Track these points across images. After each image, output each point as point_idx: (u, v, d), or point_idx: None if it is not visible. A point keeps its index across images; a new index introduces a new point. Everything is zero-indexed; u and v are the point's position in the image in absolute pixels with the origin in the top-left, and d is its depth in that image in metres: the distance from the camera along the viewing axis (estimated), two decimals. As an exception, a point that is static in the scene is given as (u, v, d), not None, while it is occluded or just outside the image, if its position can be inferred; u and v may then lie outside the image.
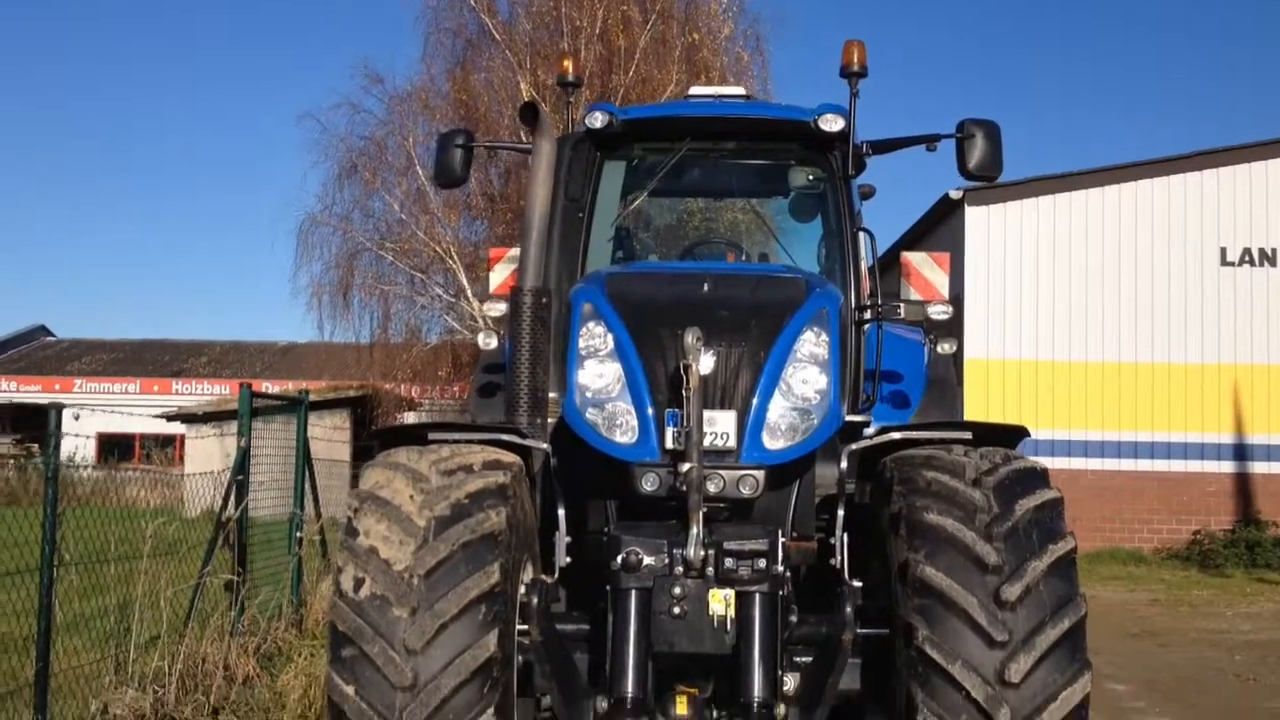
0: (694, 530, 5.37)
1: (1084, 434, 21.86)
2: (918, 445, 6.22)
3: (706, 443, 5.70)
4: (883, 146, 8.19)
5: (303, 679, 8.10)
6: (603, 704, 5.29)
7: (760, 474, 5.72)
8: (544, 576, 6.25)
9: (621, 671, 5.34)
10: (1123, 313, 22.12)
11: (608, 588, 5.49)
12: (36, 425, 47.74)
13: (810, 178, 8.72)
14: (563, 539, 6.31)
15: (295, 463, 9.48)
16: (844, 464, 6.29)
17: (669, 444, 5.72)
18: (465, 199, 28.00)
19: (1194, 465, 21.70)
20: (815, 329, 5.92)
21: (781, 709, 5.19)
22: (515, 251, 10.86)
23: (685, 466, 5.42)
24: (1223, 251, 22.48)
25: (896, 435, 6.26)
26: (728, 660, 5.40)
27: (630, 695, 5.32)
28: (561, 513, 6.33)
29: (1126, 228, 22.43)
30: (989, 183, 7.86)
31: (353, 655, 5.56)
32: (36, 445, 44.36)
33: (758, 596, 5.35)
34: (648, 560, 5.31)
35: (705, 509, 5.80)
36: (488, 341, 8.72)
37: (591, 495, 6.45)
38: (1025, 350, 22.22)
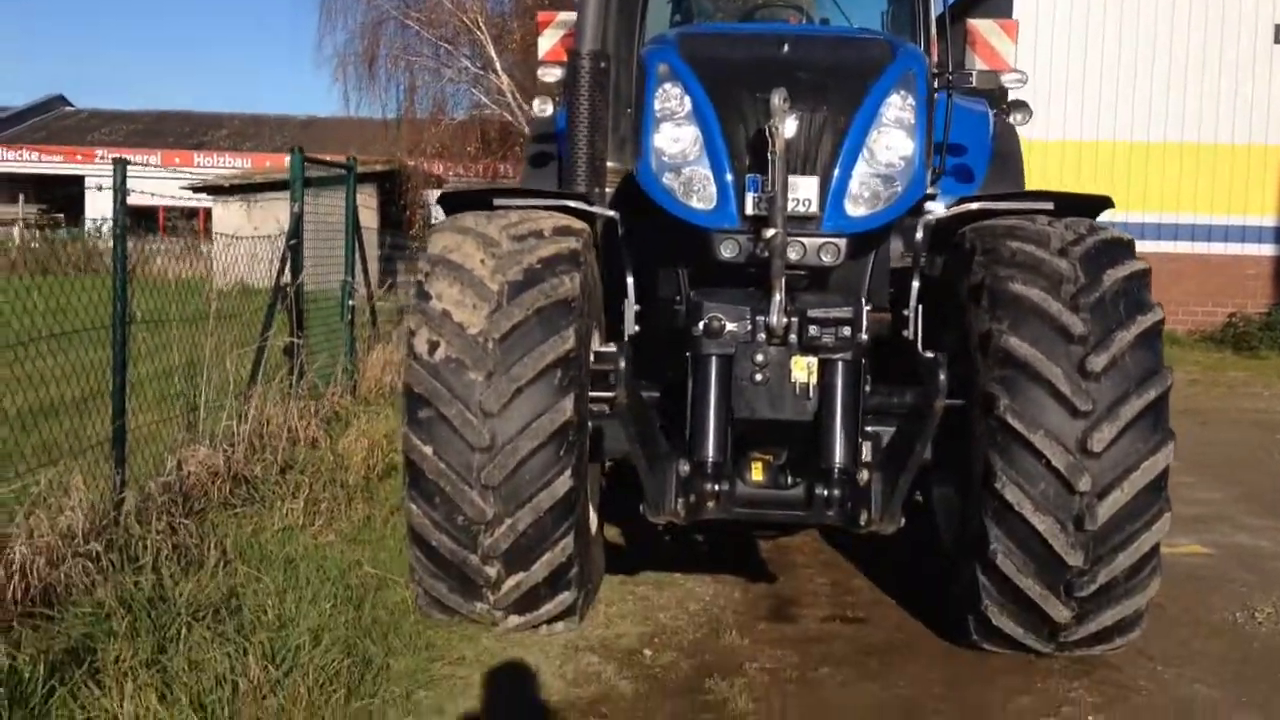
0: (776, 297, 5.29)
1: (1123, 215, 21.52)
2: (997, 216, 6.10)
3: (788, 209, 5.57)
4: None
5: (363, 442, 8.19)
6: (685, 467, 5.30)
7: (842, 242, 5.61)
8: (611, 345, 6.23)
9: (702, 436, 5.33)
10: (1170, 91, 21.56)
11: (687, 354, 5.45)
12: (60, 195, 47.55)
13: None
14: (631, 307, 6.26)
15: (345, 231, 9.38)
16: (920, 234, 6.18)
17: (749, 210, 5.60)
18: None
19: (1234, 248, 21.48)
20: (902, 92, 5.72)
21: (864, 474, 5.19)
22: (566, 16, 10.55)
23: (769, 232, 5.30)
24: (1276, 30, 21.75)
25: (976, 205, 6.13)
26: (807, 427, 5.40)
27: (711, 459, 5.33)
28: (630, 280, 6.26)
29: (1175, 4, 21.68)
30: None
31: (430, 417, 5.58)
32: (62, 215, 44.35)
33: (840, 364, 5.30)
34: (730, 326, 5.25)
35: (785, 276, 5.72)
36: (542, 108, 8.48)
37: (662, 263, 6.36)
38: (1069, 130, 21.75)
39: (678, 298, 6.23)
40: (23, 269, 5.32)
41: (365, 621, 5.39)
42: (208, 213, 44.14)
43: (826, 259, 5.56)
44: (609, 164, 7.98)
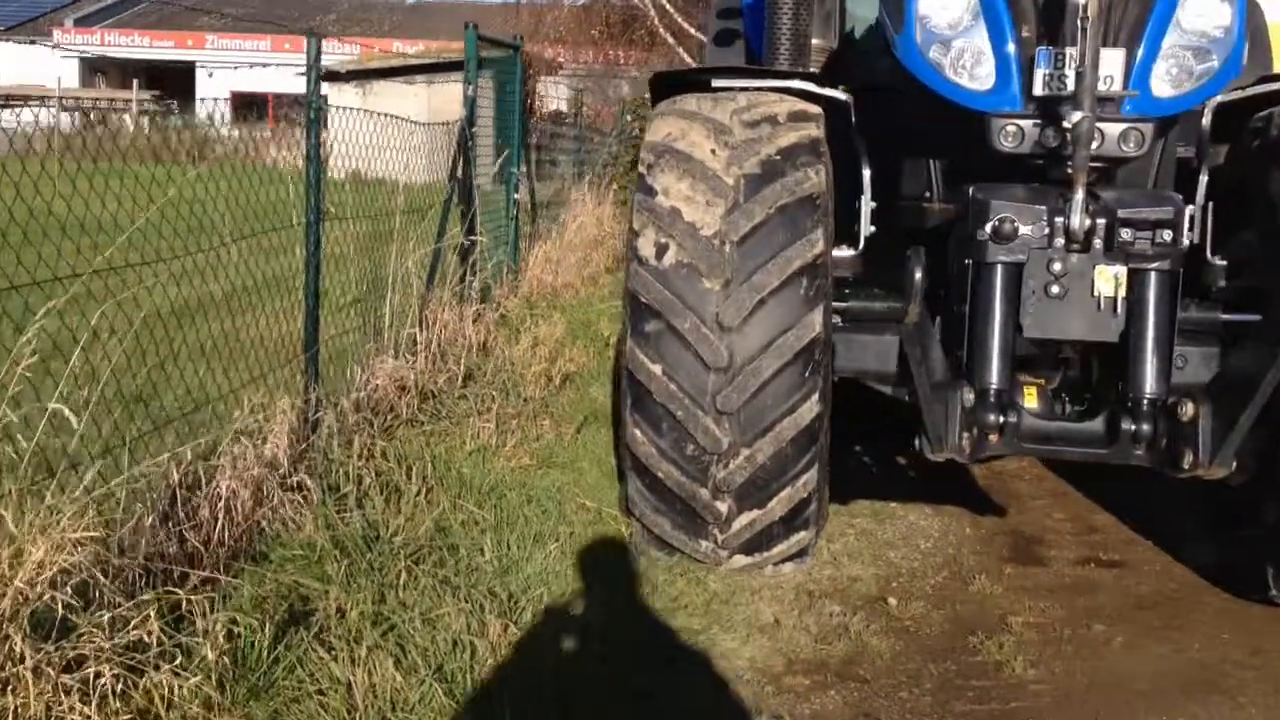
0: (1079, 195, 4.49)
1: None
2: None
3: (1072, 88, 4.72)
4: None
5: (540, 350, 7.56)
6: (969, 396, 4.55)
7: (1148, 127, 4.77)
8: (845, 249, 5.48)
9: (985, 359, 4.58)
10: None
11: (967, 261, 4.66)
12: (174, 82, 47.40)
13: None
14: (868, 205, 5.49)
15: (514, 119, 8.65)
16: (1205, 120, 5.31)
17: (1038, 89, 4.76)
18: None
19: None
20: None
21: (1189, 407, 4.40)
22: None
23: (1076, 116, 4.47)
24: None
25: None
26: (1111, 350, 4.61)
27: (995, 386, 4.57)
28: (867, 174, 5.48)
29: None
30: None
31: (658, 330, 4.89)
32: (175, 102, 44.15)
33: (1154, 275, 4.49)
34: (1024, 230, 4.45)
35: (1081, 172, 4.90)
36: (737, -22, 7.64)
37: (908, 153, 5.55)
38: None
39: (927, 194, 5.44)
40: (147, 156, 4.63)
41: (589, 564, 4.74)
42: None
43: (1129, 148, 4.73)
44: (815, 40, 7.20)
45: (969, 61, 4.89)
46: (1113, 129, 4.72)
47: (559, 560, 4.68)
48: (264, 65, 50.97)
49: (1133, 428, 4.48)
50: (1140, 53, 4.74)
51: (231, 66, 48.45)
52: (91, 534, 3.25)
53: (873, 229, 5.50)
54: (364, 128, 6.02)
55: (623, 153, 14.22)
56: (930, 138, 5.38)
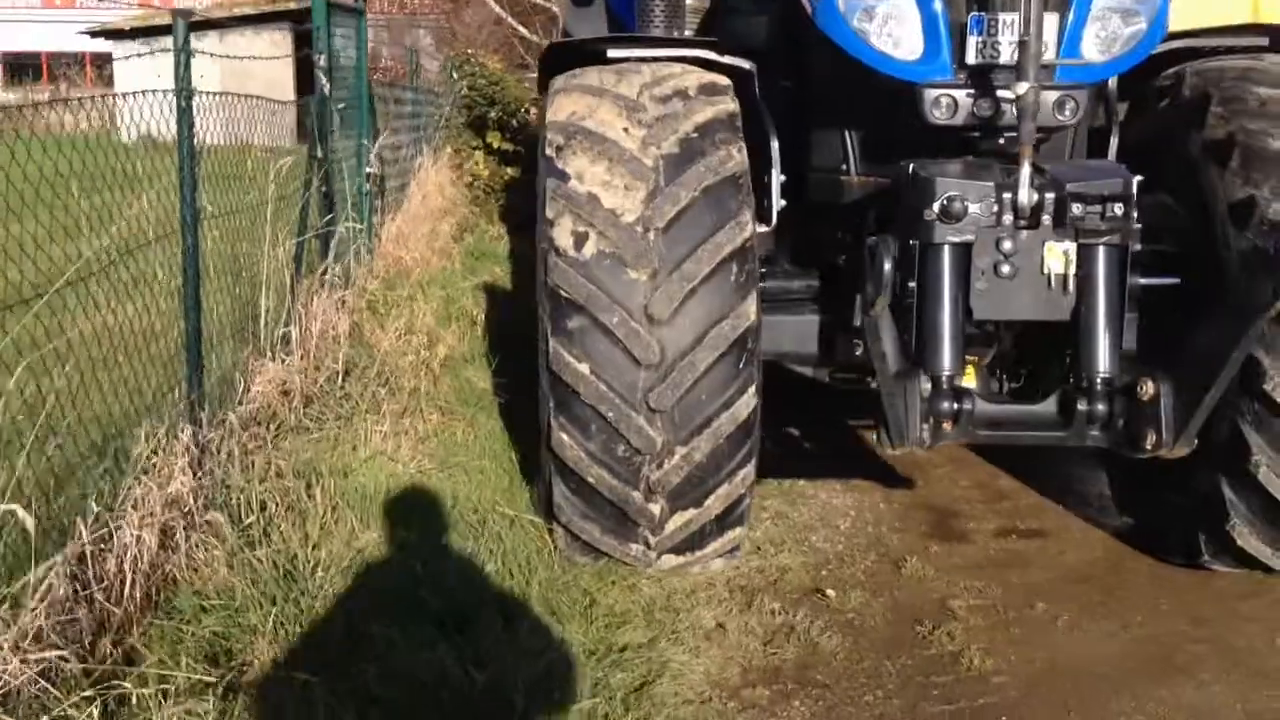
0: (1025, 169, 4.30)
1: None
2: (1205, 56, 5.19)
3: (1006, 56, 4.55)
4: None
5: (417, 337, 7.15)
6: (926, 385, 4.35)
7: (1082, 95, 4.62)
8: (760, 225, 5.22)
9: (936, 345, 4.38)
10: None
11: (912, 243, 4.44)
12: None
13: None
14: (777, 178, 5.24)
15: (358, 84, 8.10)
16: (1113, 83, 5.22)
17: (970, 58, 4.56)
18: None
19: None
20: None
21: (1150, 386, 4.28)
22: None
23: (1021, 87, 4.28)
24: None
25: (1182, 43, 5.21)
26: (1062, 329, 4.46)
27: (948, 373, 4.38)
28: (775, 146, 5.23)
29: None
30: None
31: (583, 327, 4.55)
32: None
33: (1104, 250, 4.35)
34: (973, 208, 4.25)
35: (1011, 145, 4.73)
36: (605, -65, 7.27)
37: (820, 124, 5.31)
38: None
39: (844, 167, 5.21)
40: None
41: (530, 584, 4.42)
42: (94, 59, 41.30)
43: (1064, 116, 4.58)
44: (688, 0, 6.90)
45: (895, 29, 4.66)
46: (1047, 97, 4.55)
47: (499, 578, 4.33)
48: (35, 23, 48.26)
49: (1088, 408, 4.35)
50: (1070, 17, 4.58)
51: None
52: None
53: (782, 203, 5.26)
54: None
55: (454, 114, 13.66)
56: (845, 108, 5.15)
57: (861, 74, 4.82)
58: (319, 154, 6.57)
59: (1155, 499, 5.26)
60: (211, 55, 5.20)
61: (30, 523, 2.93)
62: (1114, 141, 5.24)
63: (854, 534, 5.64)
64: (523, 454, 5.88)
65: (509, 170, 14.04)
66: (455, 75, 14.48)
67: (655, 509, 4.66)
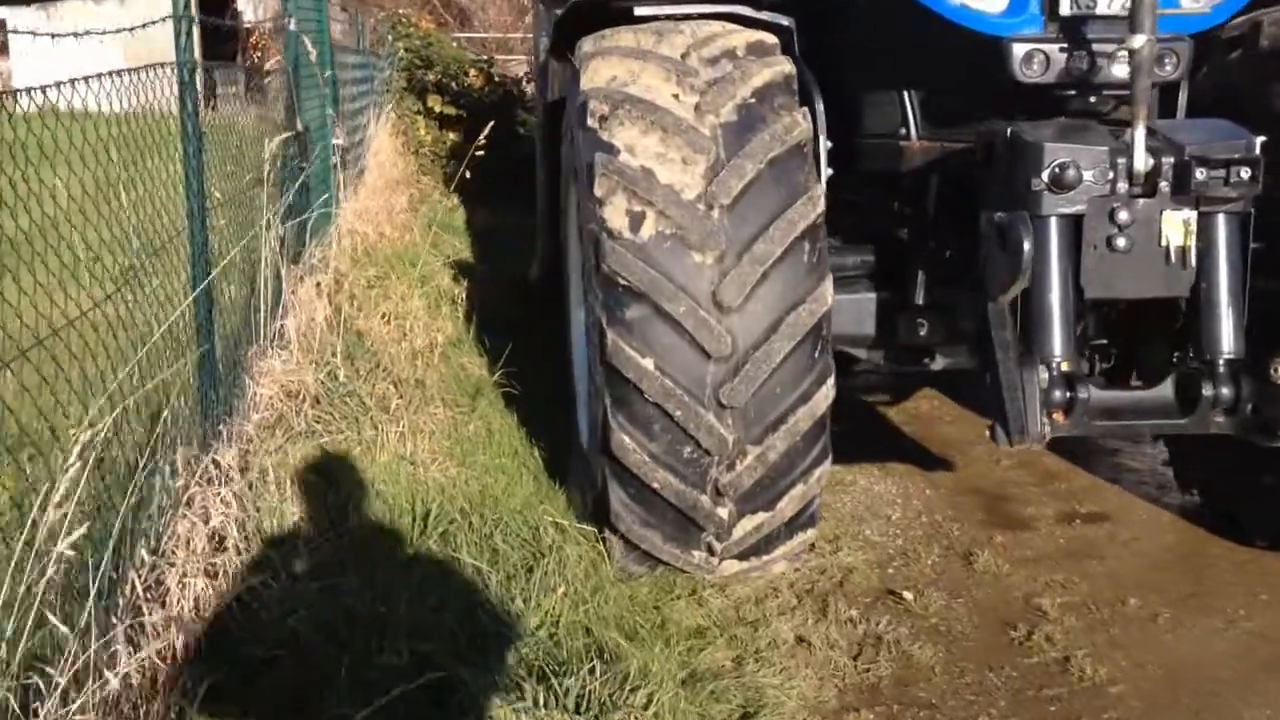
0: (1140, 131, 3.91)
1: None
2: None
3: (1104, 7, 4.15)
4: None
5: (404, 322, 6.64)
6: (1044, 374, 3.95)
7: (1184, 47, 4.23)
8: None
9: (1047, 329, 3.98)
10: None
11: (1002, 218, 4.02)
12: None
13: None
14: (824, 145, 4.79)
15: (322, 48, 7.48)
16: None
17: (1065, 9, 4.14)
18: None
19: None
20: None
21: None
22: None
23: (1137, 40, 3.88)
24: None
25: None
26: (1182, 306, 4.09)
27: (1059, 357, 3.98)
28: (820, 110, 4.78)
29: None
30: None
31: (644, 316, 4.08)
32: None
33: (1224, 219, 3.97)
34: (1087, 175, 3.84)
35: (1102, 103, 4.34)
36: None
37: (873, 84, 4.87)
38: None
39: (903, 131, 4.78)
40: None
41: (605, 605, 3.97)
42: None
43: (1167, 71, 4.18)
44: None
45: (982, -24, 4.23)
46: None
47: (575, 606, 3.87)
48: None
49: (1213, 393, 3.98)
50: (1169, -37, 4.18)
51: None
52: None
53: (829, 172, 4.82)
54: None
55: (395, 78, 13.01)
56: (905, 65, 4.71)
57: (928, 28, 4.38)
58: (299, 126, 5.99)
59: (1232, 478, 4.94)
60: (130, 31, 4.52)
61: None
62: (1182, 98, 4.86)
63: (909, 525, 5.26)
64: (540, 449, 5.44)
65: (451, 135, 13.44)
66: (390, 38, 13.82)
67: (724, 513, 4.23)
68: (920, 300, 4.90)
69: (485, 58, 15.36)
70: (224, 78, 7.46)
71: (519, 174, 10.96)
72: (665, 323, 4.06)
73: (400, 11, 15.74)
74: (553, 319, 7.60)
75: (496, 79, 14.83)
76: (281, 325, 5.21)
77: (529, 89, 16.62)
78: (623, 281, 4.08)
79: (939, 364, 5.08)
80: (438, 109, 13.21)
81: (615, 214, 4.15)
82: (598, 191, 4.17)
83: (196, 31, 3.96)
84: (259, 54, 26.00)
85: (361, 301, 6.88)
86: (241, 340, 4.76)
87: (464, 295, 7.87)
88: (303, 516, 3.93)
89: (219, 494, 3.43)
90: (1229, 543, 5.01)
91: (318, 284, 6.39)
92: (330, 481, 4.36)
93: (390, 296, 7.09)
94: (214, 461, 3.65)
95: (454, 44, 15.53)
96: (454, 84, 13.75)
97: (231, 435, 4.05)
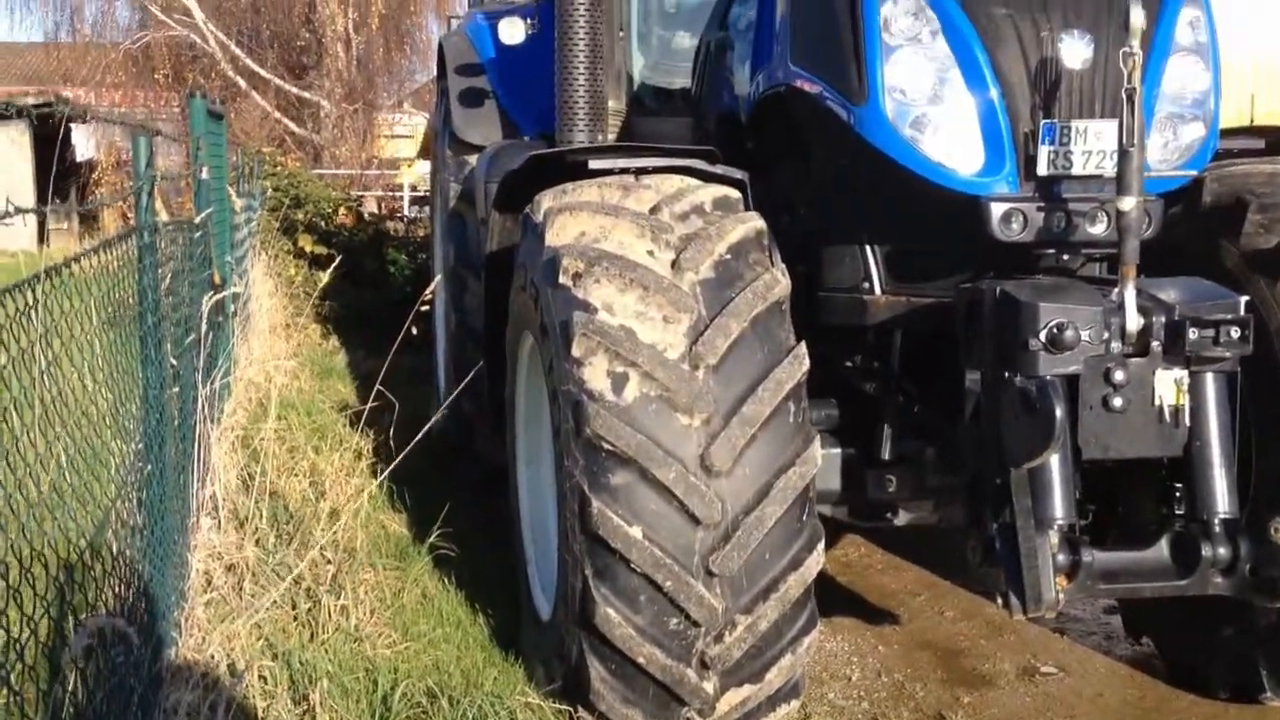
0: (1130, 291, 3.91)
1: None
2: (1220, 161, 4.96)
3: (1080, 167, 4.19)
4: None
5: (315, 479, 6.31)
6: (1055, 540, 3.85)
7: (1157, 207, 4.27)
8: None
9: (1048, 491, 3.89)
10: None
11: (1003, 375, 3.96)
12: None
13: None
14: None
15: (219, 193, 7.16)
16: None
17: (1042, 169, 4.16)
18: None
19: None
20: (1192, 6, 4.40)
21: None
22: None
23: (1127, 202, 3.90)
24: None
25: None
26: (1175, 465, 4.06)
27: (1061, 519, 3.90)
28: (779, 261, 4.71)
29: None
30: None
31: (631, 483, 3.88)
32: None
33: (1216, 377, 3.97)
34: (1083, 335, 3.81)
35: (1075, 260, 4.35)
36: (512, 34, 6.67)
37: (838, 238, 4.81)
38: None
39: (865, 285, 4.72)
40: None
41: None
42: None
43: (1145, 231, 4.19)
44: (609, 104, 6.38)
45: (952, 137, 4.22)
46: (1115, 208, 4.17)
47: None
48: None
49: (1211, 553, 3.94)
50: (1137, 124, 4.23)
51: None
52: None
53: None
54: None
55: (268, 220, 12.68)
56: (868, 219, 4.67)
57: (897, 182, 4.36)
58: (217, 280, 5.68)
59: (1190, 630, 4.91)
60: None
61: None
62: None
63: (871, 687, 5.09)
64: (483, 615, 5.15)
65: (322, 275, 13.12)
66: (257, 176, 13.51)
67: (709, 687, 4.01)
68: (887, 455, 4.81)
69: (355, 196, 15.15)
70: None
71: (396, 315, 10.74)
72: (653, 489, 3.87)
73: (264, 150, 15.46)
74: (462, 469, 7.37)
75: (366, 217, 14.61)
76: (212, 492, 4.85)
77: (393, 226, 16.44)
78: (607, 446, 3.88)
79: (903, 519, 5.00)
80: (309, 249, 12.92)
81: (596, 375, 3.97)
82: (576, 352, 3.99)
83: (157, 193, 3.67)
84: (98, 190, 25.43)
85: (271, 458, 6.52)
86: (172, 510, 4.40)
87: (367, 447, 7.53)
88: (263, 713, 3.58)
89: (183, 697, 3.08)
90: (1192, 695, 4.96)
91: (230, 443, 6.04)
92: (283, 666, 4.00)
93: (295, 451, 6.76)
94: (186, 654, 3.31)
95: (321, 183, 15.27)
96: (324, 223, 13.48)
97: (186, 622, 3.69)
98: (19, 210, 2.12)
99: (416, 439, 5.82)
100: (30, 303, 2.18)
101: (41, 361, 2.42)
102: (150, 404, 3.49)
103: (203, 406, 4.70)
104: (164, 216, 7.36)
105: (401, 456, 5.86)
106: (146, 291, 3.45)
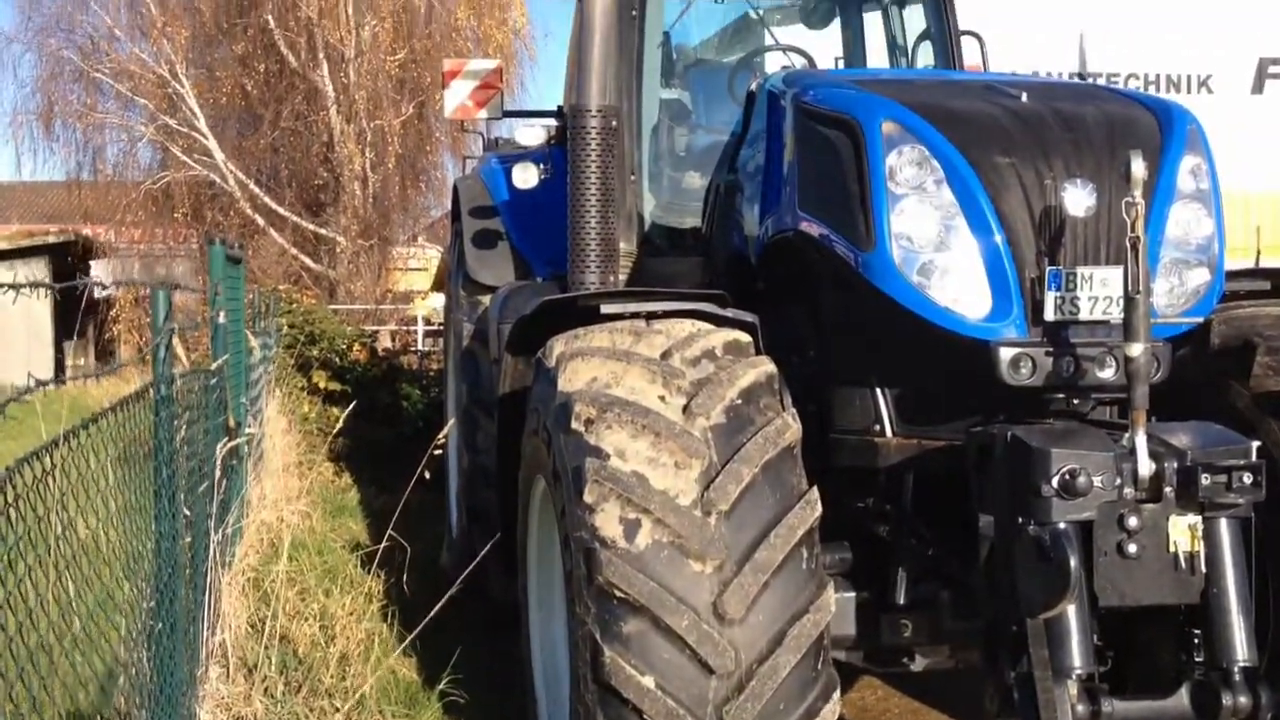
0: (1141, 437, 3.91)
1: None
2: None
3: (1086, 312, 4.22)
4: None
5: (326, 624, 6.26)
6: (1074, 689, 3.80)
7: (1165, 352, 4.30)
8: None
9: (1065, 639, 3.85)
10: None
11: (1016, 521, 3.95)
12: None
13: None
14: None
15: (235, 335, 7.26)
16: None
17: (1049, 314, 4.20)
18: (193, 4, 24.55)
19: None
20: (1193, 155, 4.48)
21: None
22: (476, 64, 8.93)
23: (1135, 349, 3.92)
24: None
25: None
26: (1191, 613, 4.01)
27: (1080, 668, 3.85)
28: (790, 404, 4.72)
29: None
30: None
31: (642, 631, 3.83)
32: None
33: (1227, 523, 3.95)
34: (1096, 481, 3.81)
35: (1084, 403, 4.36)
36: (525, 178, 6.79)
37: (848, 380, 4.84)
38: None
39: (876, 428, 4.73)
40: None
41: None
42: None
43: (1154, 376, 4.21)
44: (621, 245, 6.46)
45: (959, 282, 4.27)
46: (1123, 353, 4.20)
47: None
48: None
49: (1232, 702, 3.88)
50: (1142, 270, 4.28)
51: None
52: None
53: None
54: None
55: (284, 357, 12.79)
56: (878, 361, 4.70)
57: (906, 326, 4.40)
58: (232, 424, 5.72)
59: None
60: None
61: None
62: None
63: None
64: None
65: (335, 410, 13.19)
66: (273, 313, 13.65)
67: None
68: (902, 600, 4.77)
69: (369, 332, 15.31)
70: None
71: (410, 450, 10.76)
72: (665, 637, 3.83)
73: (281, 287, 15.66)
74: (474, 612, 7.31)
75: (380, 352, 14.74)
76: (222, 639, 4.82)
77: (406, 360, 16.56)
78: (619, 594, 3.86)
79: (920, 664, 4.93)
80: (323, 385, 13.00)
81: (608, 522, 3.96)
82: (588, 498, 3.99)
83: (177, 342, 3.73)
84: (116, 326, 25.69)
85: (281, 601, 6.48)
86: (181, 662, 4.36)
87: (378, 588, 7.49)
88: None
89: None
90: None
91: (241, 587, 6.02)
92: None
93: (305, 594, 6.72)
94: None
95: (335, 320, 15.43)
96: (338, 359, 13.59)
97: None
98: (40, 384, 2.15)
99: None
100: (47, 469, 2.19)
101: (58, 526, 2.43)
102: (163, 557, 3.48)
103: (214, 554, 4.68)
104: (180, 355, 7.45)
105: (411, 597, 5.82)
106: (162, 445, 3.47)
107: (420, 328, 22.95)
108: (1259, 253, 14.37)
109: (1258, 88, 20.93)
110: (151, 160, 26.16)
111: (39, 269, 29.45)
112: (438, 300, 22.64)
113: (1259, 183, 18.14)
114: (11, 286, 2.25)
